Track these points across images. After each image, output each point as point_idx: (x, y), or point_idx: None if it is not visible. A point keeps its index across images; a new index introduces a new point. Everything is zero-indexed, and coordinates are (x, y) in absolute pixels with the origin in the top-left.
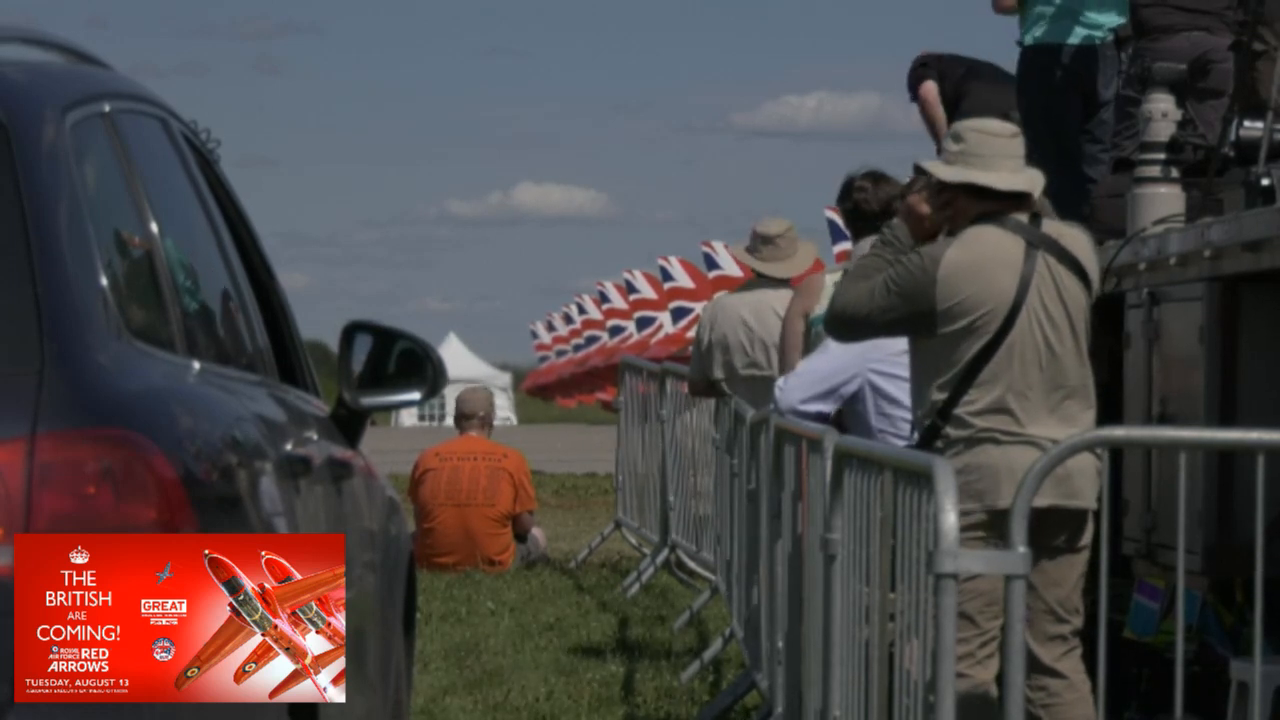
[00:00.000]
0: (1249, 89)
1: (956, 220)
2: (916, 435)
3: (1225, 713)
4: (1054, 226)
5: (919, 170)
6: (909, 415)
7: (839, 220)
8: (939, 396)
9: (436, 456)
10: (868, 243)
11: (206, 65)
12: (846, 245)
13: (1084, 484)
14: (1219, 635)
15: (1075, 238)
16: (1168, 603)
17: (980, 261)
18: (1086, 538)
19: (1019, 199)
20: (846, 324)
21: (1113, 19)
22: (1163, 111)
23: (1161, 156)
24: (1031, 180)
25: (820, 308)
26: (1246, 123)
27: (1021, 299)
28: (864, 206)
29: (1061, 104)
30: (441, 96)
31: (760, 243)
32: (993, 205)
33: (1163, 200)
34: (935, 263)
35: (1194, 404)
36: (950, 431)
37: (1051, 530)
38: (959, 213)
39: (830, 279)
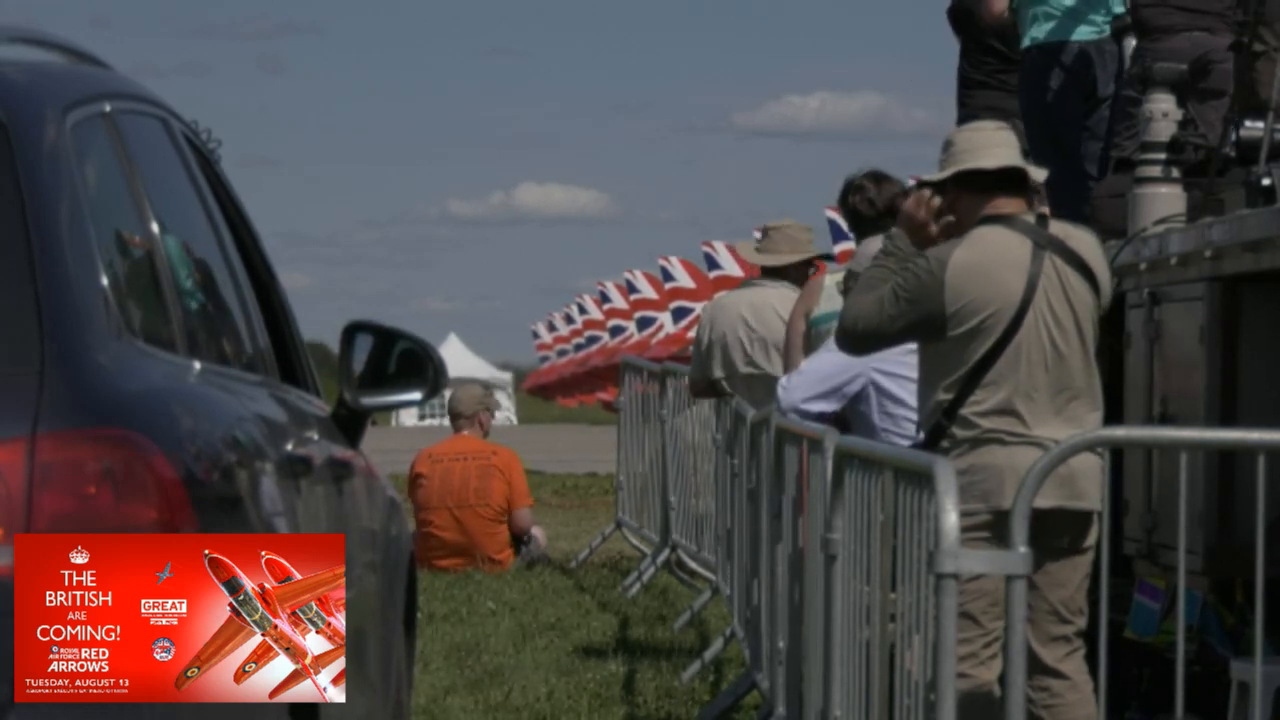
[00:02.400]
0: (1249, 89)
1: (962, 223)
2: (922, 435)
3: (1226, 713)
4: (1061, 228)
5: (921, 185)
6: (914, 415)
7: (840, 220)
8: (945, 397)
9: (429, 459)
10: (872, 243)
11: (208, 65)
12: (847, 245)
13: (1088, 485)
14: (1220, 635)
15: (1083, 240)
16: (1168, 603)
17: (987, 262)
18: (1091, 539)
19: (1019, 186)
20: (858, 338)
21: (1112, 19)
22: (1163, 111)
23: (1162, 156)
24: (1021, 161)
25: (820, 309)
26: (1247, 123)
27: (1028, 300)
28: (864, 209)
29: (1062, 104)
30: (443, 96)
31: (762, 235)
32: (995, 199)
33: (1163, 200)
34: (942, 265)
35: (1194, 404)
36: (956, 432)
37: (1056, 531)
38: (963, 214)
39: (831, 280)
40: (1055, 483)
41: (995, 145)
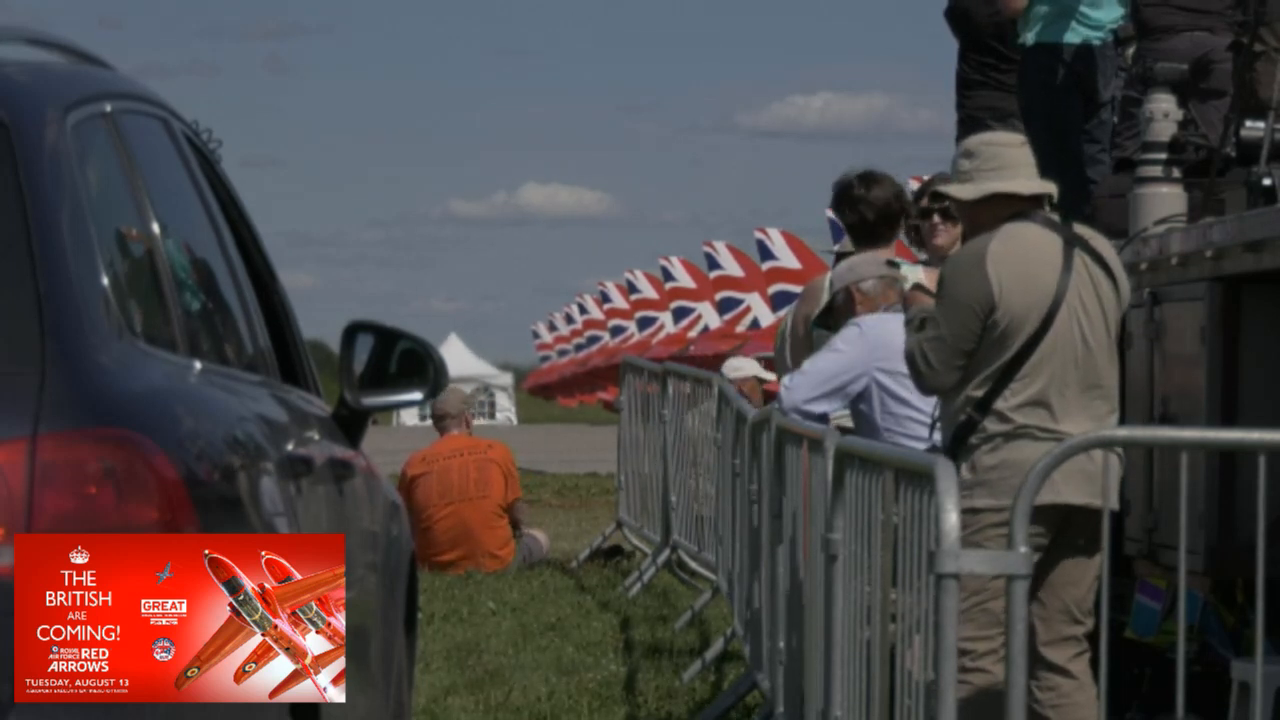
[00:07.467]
0: (1249, 89)
1: (988, 226)
2: (940, 433)
3: (1227, 714)
4: (1083, 229)
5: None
6: (917, 415)
7: (840, 221)
8: (977, 391)
9: (423, 461)
10: (855, 258)
11: (215, 65)
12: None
13: (1111, 484)
14: (1220, 636)
15: (1103, 242)
16: (1169, 603)
17: (1021, 257)
18: (1103, 538)
19: (1039, 200)
20: (932, 370)
21: (1113, 19)
22: (1164, 111)
23: (1163, 156)
24: (1047, 184)
25: (819, 312)
26: (1248, 123)
27: (1062, 295)
28: (864, 211)
29: (1062, 103)
30: (446, 97)
31: None
32: (1019, 206)
33: (1164, 200)
34: (981, 255)
35: (1195, 404)
36: (988, 426)
37: (1077, 529)
38: (989, 221)
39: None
40: (1084, 479)
41: (1022, 165)
